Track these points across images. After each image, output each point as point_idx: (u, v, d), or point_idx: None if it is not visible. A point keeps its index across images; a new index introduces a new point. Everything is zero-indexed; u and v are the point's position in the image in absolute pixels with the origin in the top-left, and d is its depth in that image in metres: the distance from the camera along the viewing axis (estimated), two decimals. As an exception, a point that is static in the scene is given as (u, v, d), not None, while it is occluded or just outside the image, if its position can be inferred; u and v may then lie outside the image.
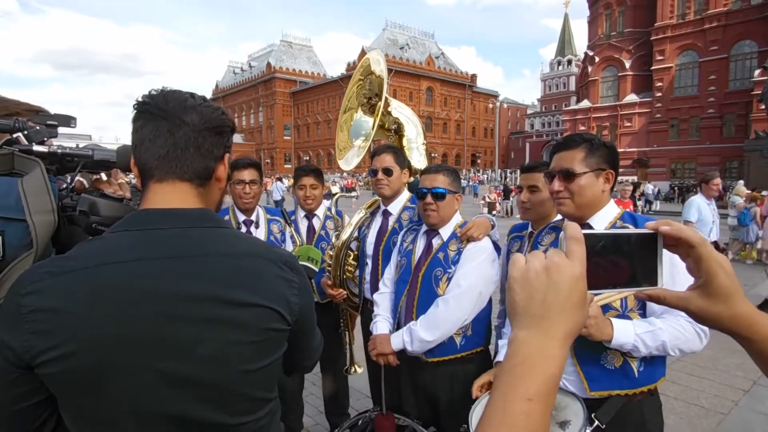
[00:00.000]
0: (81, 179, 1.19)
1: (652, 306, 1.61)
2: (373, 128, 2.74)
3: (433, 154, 51.08)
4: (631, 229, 0.64)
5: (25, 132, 1.07)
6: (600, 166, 1.65)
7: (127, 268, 0.81)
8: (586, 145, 1.66)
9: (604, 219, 1.69)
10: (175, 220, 0.88)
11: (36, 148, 1.07)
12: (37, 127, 1.10)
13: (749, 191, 11.96)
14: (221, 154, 0.95)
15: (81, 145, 1.19)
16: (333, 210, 3.12)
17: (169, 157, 0.89)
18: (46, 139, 1.12)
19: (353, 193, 23.80)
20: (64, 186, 1.12)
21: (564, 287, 0.54)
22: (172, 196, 0.90)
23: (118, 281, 0.80)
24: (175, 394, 0.81)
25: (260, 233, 2.89)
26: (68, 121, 1.18)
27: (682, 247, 0.62)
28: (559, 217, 1.90)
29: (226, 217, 2.86)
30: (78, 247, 0.86)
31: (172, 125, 0.88)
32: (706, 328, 1.59)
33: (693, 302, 0.63)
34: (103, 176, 1.24)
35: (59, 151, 1.11)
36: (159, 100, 0.90)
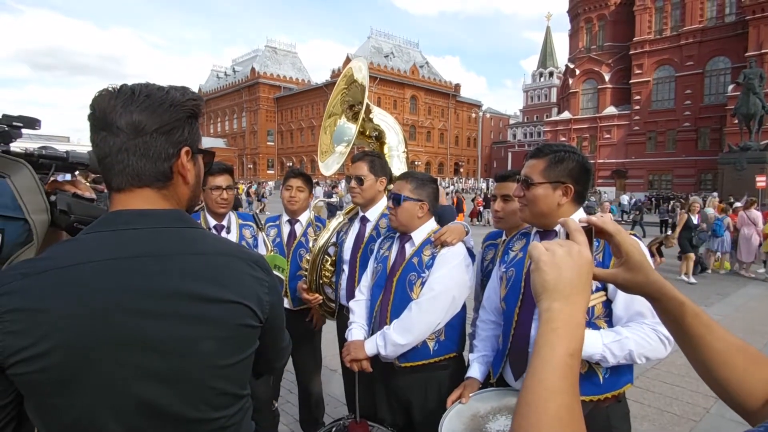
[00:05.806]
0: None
1: (617, 313, 1.64)
2: (354, 135, 2.75)
3: (416, 162, 51.32)
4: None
5: None
6: (559, 179, 1.67)
7: (99, 267, 0.81)
8: (551, 156, 1.68)
9: None
10: (147, 220, 0.88)
11: (13, 148, 1.05)
12: (6, 128, 1.08)
13: (719, 203, 12.30)
14: (175, 152, 0.90)
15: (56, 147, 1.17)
16: (312, 215, 3.11)
17: (117, 168, 0.87)
18: (14, 140, 1.10)
19: (333, 199, 23.71)
20: None
21: (584, 269, 0.69)
22: (138, 201, 0.89)
23: (90, 280, 0.80)
24: (149, 389, 0.82)
25: (232, 238, 2.87)
26: (33, 123, 1.16)
27: (606, 234, 0.81)
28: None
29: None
30: (51, 248, 0.86)
31: (111, 134, 0.86)
32: (669, 335, 1.61)
33: (620, 276, 0.81)
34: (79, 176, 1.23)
35: (36, 152, 1.10)
36: (102, 104, 0.86)
